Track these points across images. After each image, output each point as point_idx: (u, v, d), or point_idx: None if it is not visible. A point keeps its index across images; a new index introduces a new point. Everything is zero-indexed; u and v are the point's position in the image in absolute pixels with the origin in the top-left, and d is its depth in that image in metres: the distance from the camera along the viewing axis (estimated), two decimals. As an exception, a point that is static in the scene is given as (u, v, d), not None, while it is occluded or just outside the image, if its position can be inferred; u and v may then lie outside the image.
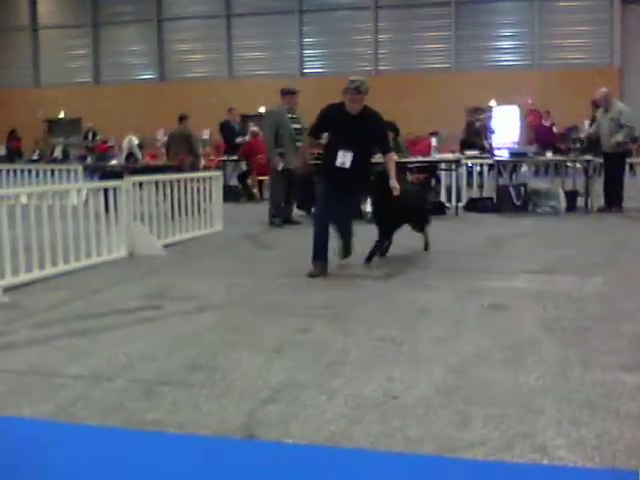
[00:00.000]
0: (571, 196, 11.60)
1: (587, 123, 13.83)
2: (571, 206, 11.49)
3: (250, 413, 3.22)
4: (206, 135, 18.77)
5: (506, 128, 20.43)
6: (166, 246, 8.01)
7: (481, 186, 12.98)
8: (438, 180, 12.16)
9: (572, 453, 2.78)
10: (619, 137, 10.92)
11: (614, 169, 11.19)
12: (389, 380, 3.63)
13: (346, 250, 6.81)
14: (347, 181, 6.40)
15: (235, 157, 14.69)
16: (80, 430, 3.09)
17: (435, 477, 2.73)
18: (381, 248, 7.12)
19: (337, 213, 6.61)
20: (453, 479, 2.69)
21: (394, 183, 6.39)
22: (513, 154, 13.04)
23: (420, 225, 7.63)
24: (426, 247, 7.62)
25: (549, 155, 12.84)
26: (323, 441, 2.94)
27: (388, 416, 3.17)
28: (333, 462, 2.82)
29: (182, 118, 12.79)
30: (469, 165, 13.19)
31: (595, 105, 12.38)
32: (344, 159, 6.36)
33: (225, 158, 15.05)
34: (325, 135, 6.77)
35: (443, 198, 11.96)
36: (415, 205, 7.49)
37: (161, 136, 18.64)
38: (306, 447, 2.90)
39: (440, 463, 2.75)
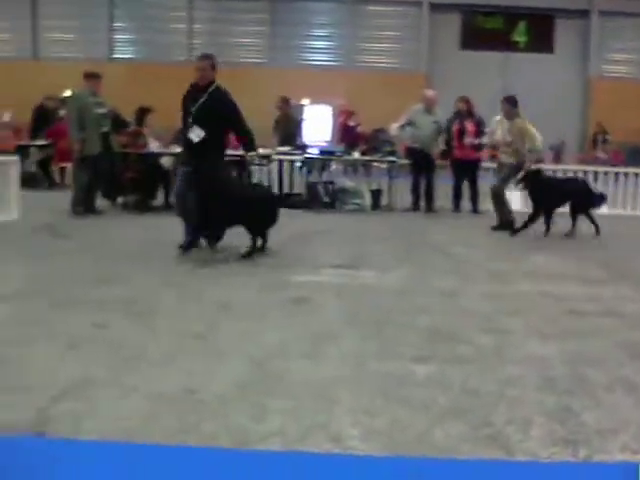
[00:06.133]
0: (376, 195, 12.36)
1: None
2: (376, 204, 12.26)
3: (40, 409, 3.16)
4: (6, 118, 17.53)
5: (318, 127, 20.83)
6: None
7: (291, 182, 13.04)
8: (249, 175, 11.91)
9: (365, 442, 2.90)
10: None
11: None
12: (189, 375, 3.66)
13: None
14: None
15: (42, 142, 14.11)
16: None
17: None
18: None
19: None
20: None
21: None
22: (323, 152, 13.49)
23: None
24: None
25: (356, 155, 13.67)
26: (117, 437, 2.90)
27: (185, 411, 3.19)
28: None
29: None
30: (280, 161, 13.04)
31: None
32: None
33: (27, 143, 14.40)
34: None
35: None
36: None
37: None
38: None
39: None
